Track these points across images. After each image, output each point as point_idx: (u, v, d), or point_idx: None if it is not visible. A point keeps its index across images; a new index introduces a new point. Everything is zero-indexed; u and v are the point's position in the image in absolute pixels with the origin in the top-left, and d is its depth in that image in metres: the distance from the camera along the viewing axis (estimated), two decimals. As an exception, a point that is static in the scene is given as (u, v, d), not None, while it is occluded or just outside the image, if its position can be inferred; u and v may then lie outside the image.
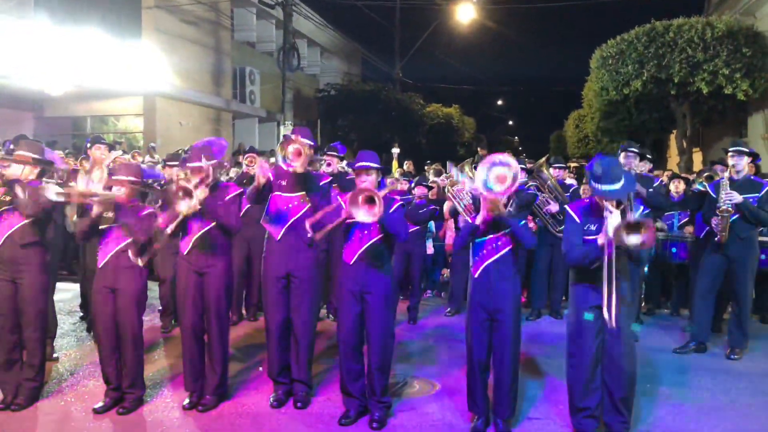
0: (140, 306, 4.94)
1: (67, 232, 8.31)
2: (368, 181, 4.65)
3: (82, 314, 7.57)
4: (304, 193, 5.05)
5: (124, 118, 18.21)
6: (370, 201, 4.30)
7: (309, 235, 4.97)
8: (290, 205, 5.04)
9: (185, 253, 4.95)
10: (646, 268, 7.99)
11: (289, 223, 5.00)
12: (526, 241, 4.41)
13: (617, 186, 4.07)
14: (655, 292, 8.55)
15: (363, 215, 4.31)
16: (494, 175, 4.18)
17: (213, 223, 4.87)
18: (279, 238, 5.02)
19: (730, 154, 6.28)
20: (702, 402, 5.18)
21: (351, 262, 4.66)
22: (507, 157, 4.28)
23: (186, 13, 17.97)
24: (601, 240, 4.07)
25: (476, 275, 4.48)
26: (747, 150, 6.27)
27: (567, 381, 4.50)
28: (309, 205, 5.04)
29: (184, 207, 4.60)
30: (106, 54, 14.52)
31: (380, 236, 4.61)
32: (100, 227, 4.86)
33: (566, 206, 4.67)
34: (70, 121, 18.14)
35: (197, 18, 18.53)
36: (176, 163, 7.25)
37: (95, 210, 4.79)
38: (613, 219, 4.00)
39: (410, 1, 26.56)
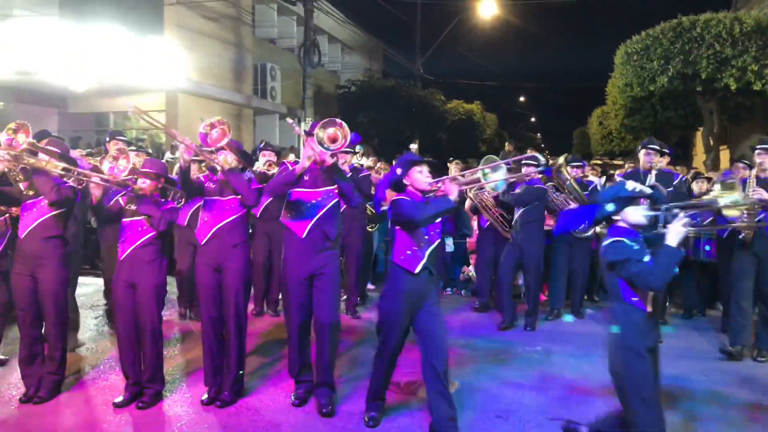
0: (159, 301, 4.94)
1: (88, 226, 8.40)
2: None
3: (106, 305, 7.59)
4: (334, 186, 4.85)
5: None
6: None
7: (335, 232, 4.91)
8: (315, 201, 4.84)
9: (203, 243, 4.95)
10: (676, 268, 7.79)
11: (315, 219, 4.80)
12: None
13: None
14: (690, 293, 8.12)
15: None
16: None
17: (230, 218, 4.89)
18: (304, 235, 4.81)
19: (757, 151, 6.15)
20: (727, 404, 5.06)
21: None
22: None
23: (207, 10, 18.05)
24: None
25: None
26: (775, 148, 6.11)
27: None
28: (337, 199, 4.91)
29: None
30: (128, 50, 14.63)
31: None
32: (123, 220, 4.88)
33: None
34: (93, 118, 18.33)
35: (218, 14, 18.61)
36: (199, 159, 7.25)
37: (95, 193, 4.90)
38: None
39: (432, -4, 26.47)
